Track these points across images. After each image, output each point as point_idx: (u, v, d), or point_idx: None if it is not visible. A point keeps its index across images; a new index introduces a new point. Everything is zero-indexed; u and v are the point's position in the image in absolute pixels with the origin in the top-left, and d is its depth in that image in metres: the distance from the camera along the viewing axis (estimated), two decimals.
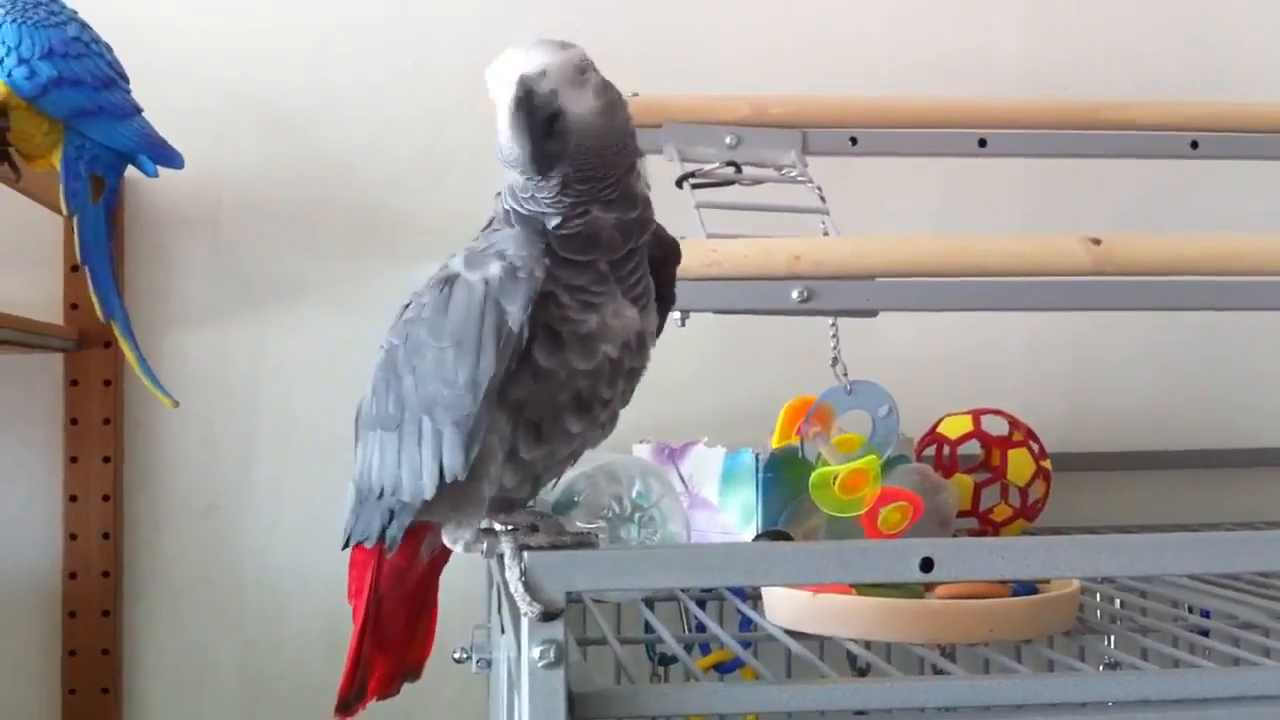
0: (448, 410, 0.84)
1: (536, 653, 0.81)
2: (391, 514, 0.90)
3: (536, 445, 0.88)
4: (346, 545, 0.96)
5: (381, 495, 0.90)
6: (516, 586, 0.82)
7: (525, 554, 0.83)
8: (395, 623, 0.98)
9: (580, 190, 0.87)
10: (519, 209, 0.88)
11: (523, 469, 0.89)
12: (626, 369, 0.90)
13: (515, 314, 0.83)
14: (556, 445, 0.89)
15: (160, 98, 1.53)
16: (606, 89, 0.88)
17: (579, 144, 0.86)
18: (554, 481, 0.97)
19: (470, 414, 0.83)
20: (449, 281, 0.86)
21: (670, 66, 1.89)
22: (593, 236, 0.88)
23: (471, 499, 0.88)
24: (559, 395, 0.87)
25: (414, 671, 1.02)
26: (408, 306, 0.90)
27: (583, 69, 0.86)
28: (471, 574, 1.65)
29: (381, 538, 0.92)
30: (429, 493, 0.86)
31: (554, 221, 0.87)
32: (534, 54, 0.85)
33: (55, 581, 1.77)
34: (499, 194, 0.91)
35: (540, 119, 0.84)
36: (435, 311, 0.85)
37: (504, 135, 0.85)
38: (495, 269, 0.84)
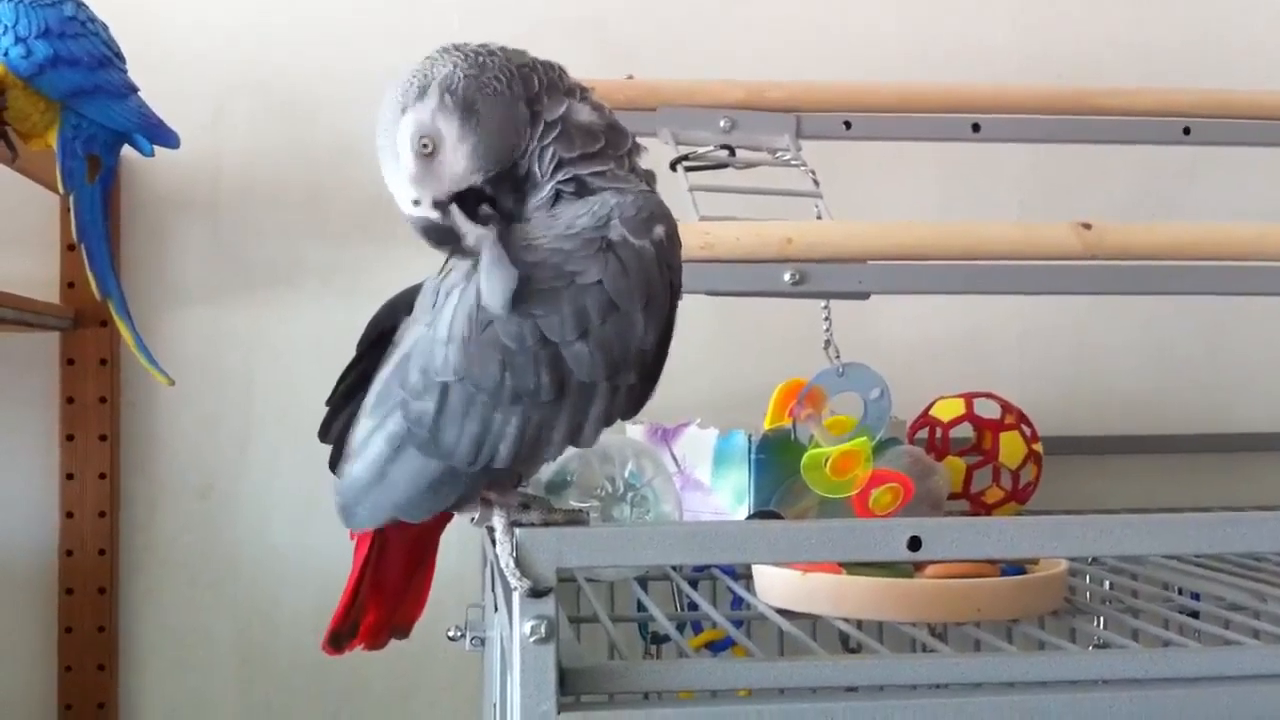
0: (634, 368, 0.87)
1: (527, 628, 0.82)
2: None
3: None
4: (417, 519, 0.93)
5: (515, 459, 0.88)
6: (507, 562, 0.83)
7: (516, 530, 0.84)
8: (394, 568, 0.98)
9: (567, 161, 0.89)
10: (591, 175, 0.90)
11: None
12: None
13: (679, 270, 0.90)
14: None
15: (160, 79, 1.53)
16: (453, 109, 0.88)
17: (491, 166, 0.89)
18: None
19: (651, 368, 0.88)
20: (610, 248, 0.86)
21: (665, 51, 1.90)
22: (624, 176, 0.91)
23: None
24: None
25: (403, 628, 1.02)
26: (528, 279, 0.86)
27: (422, 143, 0.88)
28: (466, 553, 1.66)
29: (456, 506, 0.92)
30: (590, 444, 0.89)
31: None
32: (396, 191, 0.90)
33: (52, 559, 1.78)
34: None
35: (448, 231, 0.88)
36: (615, 277, 0.86)
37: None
38: (660, 231, 0.88)
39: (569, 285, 0.86)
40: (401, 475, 0.90)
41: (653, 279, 0.87)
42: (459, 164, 0.88)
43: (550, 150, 0.89)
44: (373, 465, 0.91)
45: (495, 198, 0.89)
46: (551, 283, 0.86)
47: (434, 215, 0.89)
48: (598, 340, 0.86)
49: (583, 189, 0.89)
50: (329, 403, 0.98)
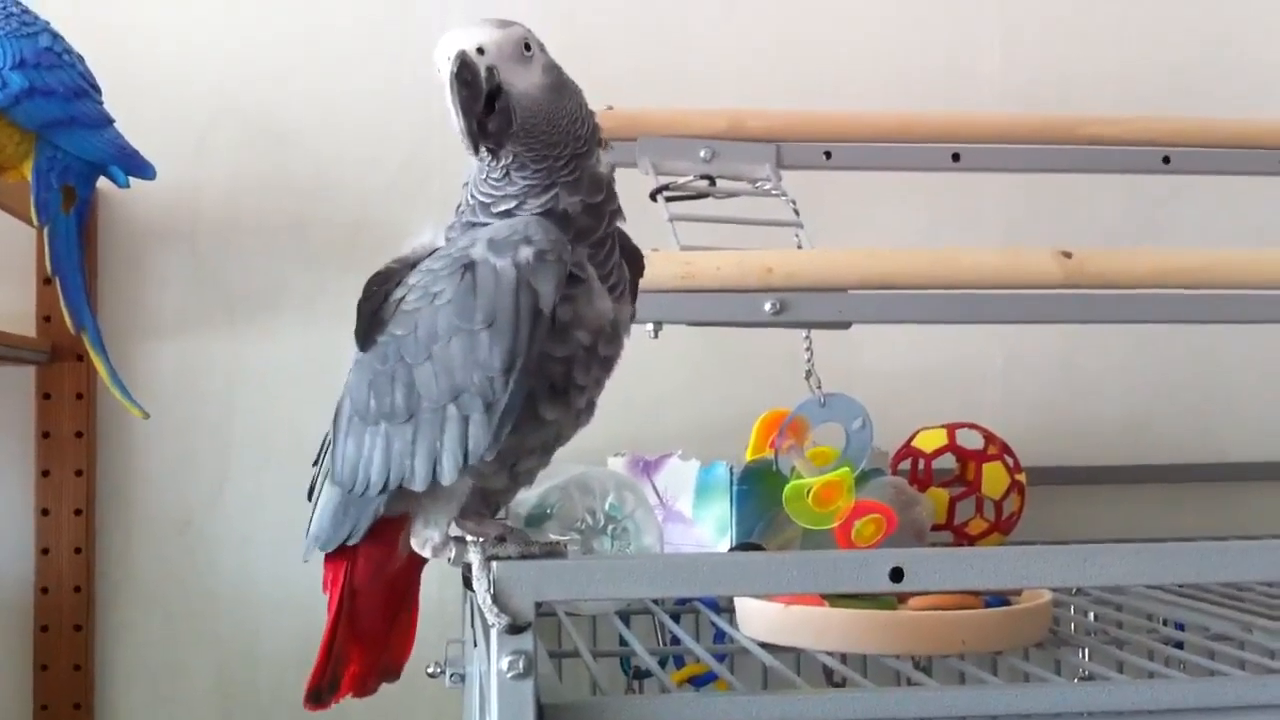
0: (479, 394, 0.85)
1: (505, 663, 0.81)
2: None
3: (511, 431, 0.87)
4: (326, 549, 0.94)
5: (384, 489, 0.88)
6: (485, 598, 0.82)
7: (494, 564, 0.83)
8: (371, 617, 0.97)
9: (537, 170, 0.89)
10: (483, 196, 0.90)
11: (498, 457, 0.89)
12: (601, 357, 0.91)
13: (548, 295, 0.85)
14: (526, 433, 0.89)
15: (142, 109, 1.53)
16: (553, 69, 0.90)
17: (525, 122, 0.88)
18: (526, 487, 0.97)
19: (502, 397, 0.85)
20: (469, 268, 0.86)
21: (646, 81, 1.89)
22: (562, 218, 0.89)
23: (451, 492, 0.89)
24: (532, 381, 0.87)
25: (392, 673, 1.01)
26: (399, 300, 0.89)
27: (526, 45, 0.89)
28: (446, 588, 1.64)
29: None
30: (450, 478, 0.86)
31: (508, 205, 0.89)
32: (474, 31, 0.87)
33: (27, 596, 1.76)
34: (465, 184, 0.92)
35: (478, 94, 0.86)
36: (462, 296, 0.85)
37: (450, 114, 0.87)
38: (526, 253, 0.85)
39: (429, 305, 0.86)
40: (321, 505, 0.94)
41: (503, 299, 0.84)
42: (528, 84, 0.88)
43: (555, 191, 0.90)
44: (315, 501, 0.96)
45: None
46: (416, 303, 0.87)
47: (482, 69, 0.87)
48: (442, 361, 0.85)
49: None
50: (315, 463, 0.98)
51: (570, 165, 0.90)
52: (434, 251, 0.91)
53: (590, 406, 0.93)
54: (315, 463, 0.98)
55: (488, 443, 0.85)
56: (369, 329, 0.91)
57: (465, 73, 0.86)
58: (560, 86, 0.90)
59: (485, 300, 0.85)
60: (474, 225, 0.91)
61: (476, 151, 0.88)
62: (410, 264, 0.92)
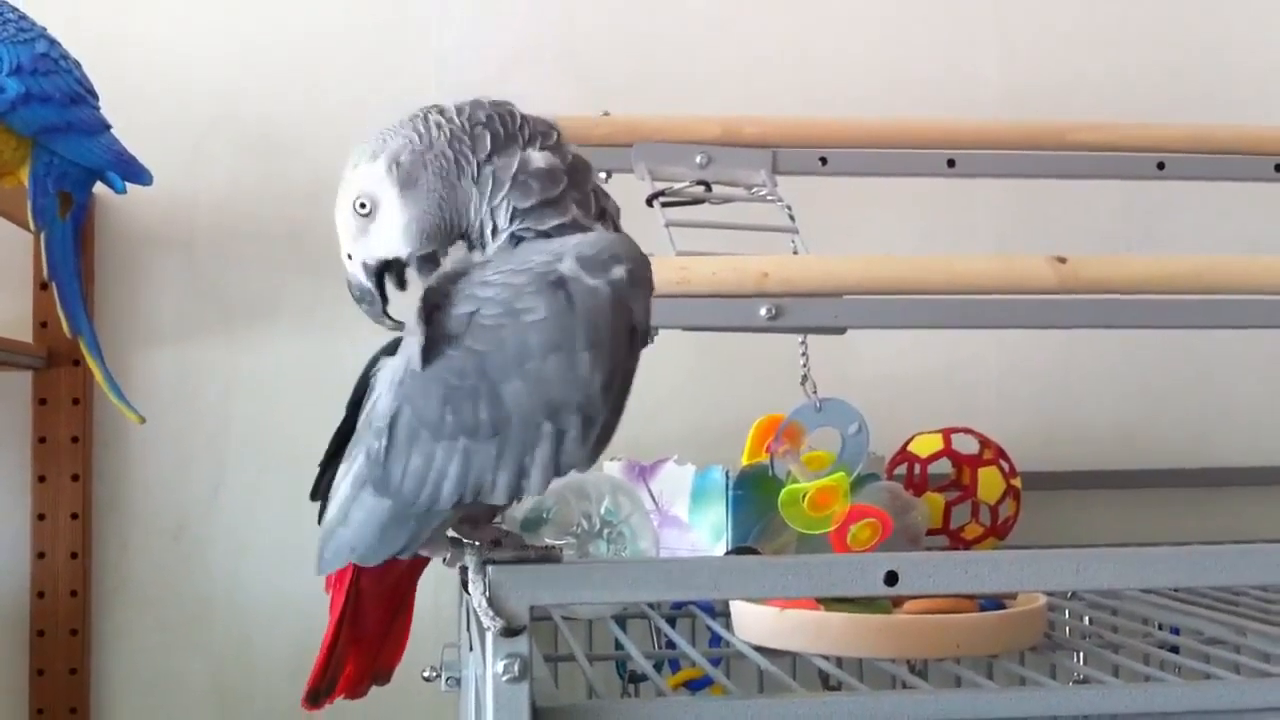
0: (577, 411, 0.84)
1: (500, 667, 0.81)
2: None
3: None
4: (369, 562, 0.91)
5: (458, 503, 0.86)
6: (480, 601, 0.82)
7: (489, 568, 0.83)
8: (372, 618, 0.97)
9: (523, 211, 0.89)
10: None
11: None
12: None
13: (641, 315, 0.85)
14: None
15: (139, 115, 1.53)
16: (389, 177, 0.91)
17: (425, 242, 0.91)
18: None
19: (600, 413, 0.84)
20: (561, 284, 0.84)
21: (641, 86, 1.90)
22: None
23: None
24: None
25: (384, 675, 1.00)
26: (471, 315, 0.86)
27: (359, 203, 0.92)
28: (442, 593, 1.65)
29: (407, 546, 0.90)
30: (538, 491, 0.86)
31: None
32: (342, 239, 0.94)
33: (23, 600, 1.76)
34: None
35: (376, 302, 0.93)
36: (559, 314, 0.84)
37: None
38: (621, 271, 0.85)
39: (515, 320, 0.84)
40: (358, 516, 0.89)
41: (602, 320, 0.84)
42: (392, 235, 0.91)
43: (505, 205, 0.89)
44: (339, 507, 0.90)
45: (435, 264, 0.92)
46: (498, 318, 0.85)
47: (360, 274, 0.92)
48: (538, 378, 0.84)
49: (544, 237, 0.89)
50: (321, 464, 0.97)
51: (493, 191, 0.89)
52: (480, 264, 0.90)
53: None
54: (323, 464, 0.97)
55: (584, 457, 0.85)
56: (430, 344, 0.88)
57: (354, 290, 0.93)
58: (408, 177, 0.90)
59: (585, 320, 0.83)
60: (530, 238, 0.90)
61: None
62: (452, 277, 0.90)
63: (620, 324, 0.84)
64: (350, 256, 0.93)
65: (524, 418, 0.84)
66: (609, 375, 0.84)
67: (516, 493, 0.85)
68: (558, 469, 0.85)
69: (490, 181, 0.89)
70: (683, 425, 1.86)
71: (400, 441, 0.87)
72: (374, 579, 0.94)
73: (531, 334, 0.84)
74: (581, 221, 0.90)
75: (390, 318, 0.92)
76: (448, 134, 0.90)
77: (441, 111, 0.92)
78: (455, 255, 0.94)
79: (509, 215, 0.89)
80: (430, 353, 0.86)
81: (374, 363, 0.95)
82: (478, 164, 0.90)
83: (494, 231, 0.90)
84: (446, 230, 0.91)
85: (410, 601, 1.00)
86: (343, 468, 0.92)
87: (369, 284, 0.92)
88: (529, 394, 0.84)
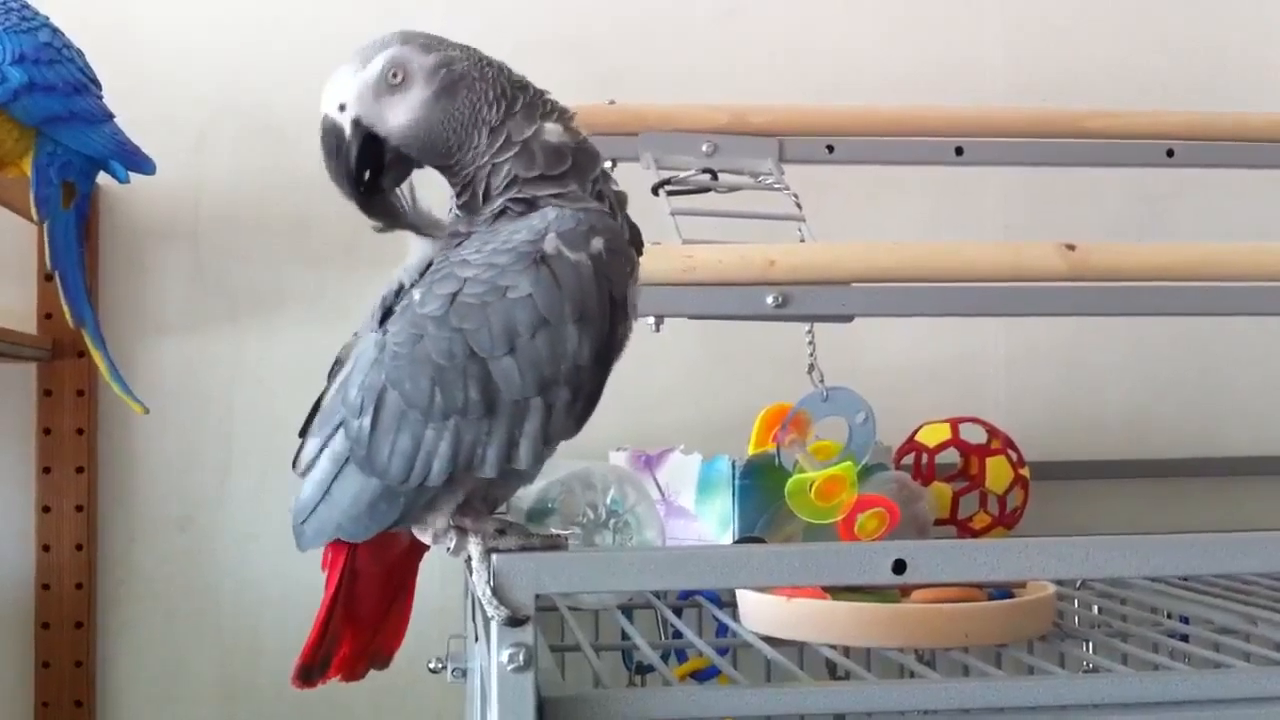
0: (567, 384, 0.85)
1: (505, 656, 0.81)
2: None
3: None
4: (357, 539, 0.92)
5: (448, 479, 0.87)
6: (484, 590, 0.81)
7: (493, 557, 0.82)
8: (368, 599, 0.96)
9: (464, 170, 0.90)
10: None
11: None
12: (619, 339, 0.91)
13: (621, 284, 0.87)
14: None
15: (143, 105, 1.53)
16: (439, 70, 0.90)
17: (424, 150, 0.90)
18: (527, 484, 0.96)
19: (587, 385, 0.86)
20: (543, 261, 0.85)
21: (648, 75, 1.89)
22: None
23: (462, 479, 0.88)
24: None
25: (382, 659, 1.00)
26: (454, 295, 0.86)
27: (394, 73, 0.90)
28: (448, 584, 1.64)
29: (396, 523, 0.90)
30: (527, 464, 0.87)
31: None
32: (335, 84, 0.91)
33: (28, 593, 1.76)
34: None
35: (347, 158, 0.90)
36: (545, 290, 0.85)
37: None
38: (599, 244, 0.86)
39: (500, 299, 0.85)
40: (343, 493, 0.90)
41: (587, 293, 0.85)
42: (400, 120, 0.90)
43: (506, 166, 0.90)
44: (318, 484, 0.91)
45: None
46: (483, 297, 0.85)
47: (347, 127, 0.90)
48: (527, 355, 0.85)
49: (531, 208, 0.89)
50: (301, 433, 0.97)
51: (502, 148, 0.90)
52: (452, 241, 0.90)
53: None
54: (301, 432, 0.96)
55: (571, 428, 0.87)
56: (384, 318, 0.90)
57: (329, 139, 0.90)
58: (451, 86, 0.90)
59: (571, 294, 0.85)
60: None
61: (369, 213, 0.91)
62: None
63: (603, 295, 0.86)
64: (343, 107, 0.90)
65: (515, 394, 0.85)
66: (599, 347, 0.86)
67: (506, 465, 0.86)
68: (546, 439, 0.86)
69: (504, 135, 0.90)
70: (689, 415, 1.85)
71: (386, 422, 0.87)
72: (369, 559, 0.94)
73: (518, 311, 0.85)
74: (579, 197, 0.90)
75: (349, 183, 0.91)
76: (491, 76, 0.91)
77: (489, 57, 0.93)
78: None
79: (507, 179, 0.90)
80: (397, 325, 0.87)
81: (357, 339, 0.94)
82: (501, 115, 0.90)
83: (486, 193, 0.90)
84: (443, 153, 0.91)
85: (410, 587, 0.99)
86: (313, 441, 0.93)
87: (353, 139, 0.90)
88: (519, 370, 0.85)
